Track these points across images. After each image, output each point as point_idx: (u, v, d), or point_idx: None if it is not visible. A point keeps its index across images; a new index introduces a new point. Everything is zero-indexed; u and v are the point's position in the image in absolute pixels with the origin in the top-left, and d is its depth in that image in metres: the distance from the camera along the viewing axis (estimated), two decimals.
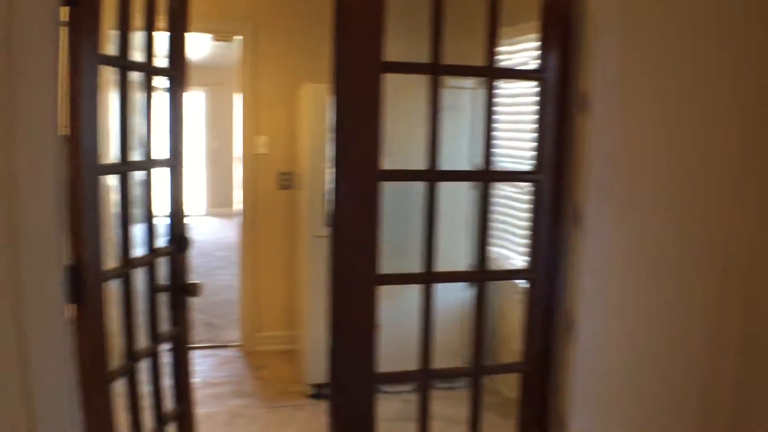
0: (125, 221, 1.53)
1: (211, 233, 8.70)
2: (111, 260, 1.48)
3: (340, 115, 1.45)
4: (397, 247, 2.32)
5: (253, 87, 3.82)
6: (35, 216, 1.20)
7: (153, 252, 1.67)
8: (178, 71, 1.77)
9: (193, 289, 1.83)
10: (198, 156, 10.08)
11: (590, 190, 1.53)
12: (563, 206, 1.59)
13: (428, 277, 1.56)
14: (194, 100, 11.81)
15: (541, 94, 1.57)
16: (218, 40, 5.16)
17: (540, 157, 1.59)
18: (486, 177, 1.64)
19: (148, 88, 1.65)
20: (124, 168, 1.52)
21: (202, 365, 3.83)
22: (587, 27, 1.51)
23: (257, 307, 4.02)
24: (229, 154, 10.07)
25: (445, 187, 1.55)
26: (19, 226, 1.17)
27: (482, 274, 1.67)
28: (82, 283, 1.29)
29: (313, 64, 3.78)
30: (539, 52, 1.59)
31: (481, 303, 1.64)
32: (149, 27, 1.61)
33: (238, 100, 4.01)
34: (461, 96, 3.39)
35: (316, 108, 3.23)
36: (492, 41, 1.52)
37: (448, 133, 1.59)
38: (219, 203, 10.23)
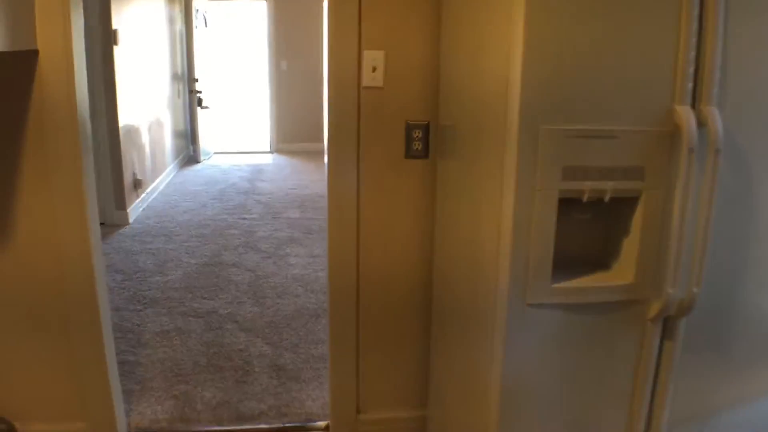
0: None
1: (279, 180, 6.77)
2: None
3: None
4: None
5: None
6: None
7: None
8: None
9: None
10: (262, 81, 8.45)
11: None
12: None
13: None
14: (255, 12, 10.05)
15: None
16: None
17: None
18: None
19: None
20: None
21: None
22: None
23: (364, 375, 2.23)
24: (304, 77, 8.26)
25: None
26: None
27: None
28: None
29: None
30: None
31: None
32: None
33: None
34: None
35: None
36: None
37: None
38: (288, 138, 8.52)
